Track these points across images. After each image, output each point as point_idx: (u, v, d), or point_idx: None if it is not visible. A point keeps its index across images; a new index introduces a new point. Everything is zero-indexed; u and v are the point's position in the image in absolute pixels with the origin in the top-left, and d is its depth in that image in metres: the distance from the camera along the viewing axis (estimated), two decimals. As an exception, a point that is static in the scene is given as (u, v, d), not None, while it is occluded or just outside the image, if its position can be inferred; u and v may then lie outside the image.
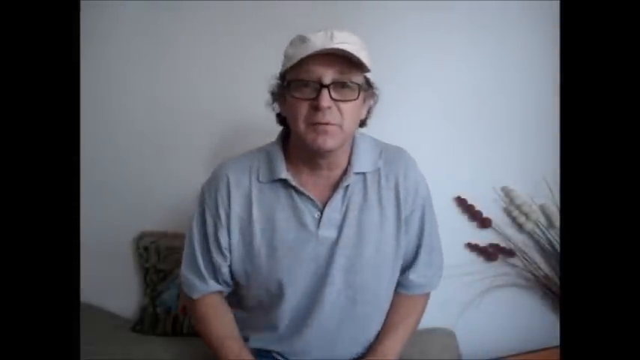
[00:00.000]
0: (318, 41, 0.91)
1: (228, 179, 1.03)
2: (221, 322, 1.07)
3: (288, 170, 1.01)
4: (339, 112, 0.93)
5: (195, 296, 1.09)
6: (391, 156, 1.07)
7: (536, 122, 1.45)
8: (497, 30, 1.46)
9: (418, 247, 1.09)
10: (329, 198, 1.02)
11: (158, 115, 1.61)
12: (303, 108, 0.93)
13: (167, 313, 1.52)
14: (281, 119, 1.04)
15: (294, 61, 0.91)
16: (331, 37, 0.91)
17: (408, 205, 1.06)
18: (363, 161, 1.03)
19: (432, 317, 1.15)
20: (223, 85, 1.56)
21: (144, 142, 1.63)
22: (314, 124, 0.93)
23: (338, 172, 1.03)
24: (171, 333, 1.50)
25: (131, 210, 1.63)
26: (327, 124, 0.92)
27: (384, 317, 1.10)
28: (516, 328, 1.48)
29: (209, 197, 1.05)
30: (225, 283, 1.09)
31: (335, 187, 1.02)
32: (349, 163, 1.02)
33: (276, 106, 1.03)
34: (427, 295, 1.14)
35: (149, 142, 1.62)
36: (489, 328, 1.49)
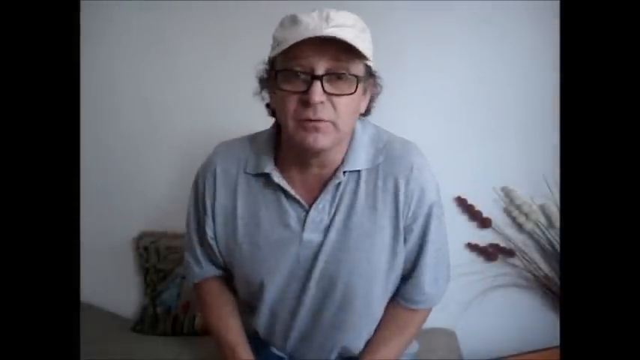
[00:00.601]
0: (311, 23, 0.79)
1: (215, 169, 0.98)
2: (220, 312, 1.06)
3: (276, 164, 0.93)
4: (332, 108, 0.82)
5: (194, 280, 1.08)
6: (395, 152, 0.94)
7: (537, 122, 1.45)
8: (497, 29, 1.46)
9: (421, 260, 0.97)
10: (316, 197, 0.92)
11: (157, 114, 1.61)
12: (292, 102, 0.82)
13: (167, 313, 1.52)
14: (272, 110, 0.93)
15: (283, 47, 0.80)
16: (326, 19, 0.79)
17: (409, 212, 0.93)
18: (359, 158, 0.92)
19: (432, 317, 1.15)
20: (220, 84, 1.56)
21: (144, 142, 1.63)
22: (304, 121, 0.82)
23: (330, 169, 0.92)
24: (171, 333, 1.50)
25: (131, 210, 1.63)
26: (318, 121, 0.81)
27: (376, 324, 1.02)
28: (516, 328, 1.48)
29: (201, 183, 1.00)
30: (222, 267, 1.06)
31: (324, 185, 0.92)
32: (342, 161, 0.92)
33: (265, 95, 0.92)
34: (429, 310, 1.05)
35: (149, 141, 1.62)
36: (490, 328, 1.49)
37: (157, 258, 1.56)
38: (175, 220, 1.62)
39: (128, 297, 1.65)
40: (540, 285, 1.47)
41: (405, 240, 0.95)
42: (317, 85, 0.79)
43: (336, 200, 0.92)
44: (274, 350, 1.07)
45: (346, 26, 0.80)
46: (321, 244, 0.93)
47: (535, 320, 1.48)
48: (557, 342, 0.90)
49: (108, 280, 1.64)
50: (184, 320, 1.51)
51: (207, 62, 1.57)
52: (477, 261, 1.49)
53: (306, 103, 0.80)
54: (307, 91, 0.79)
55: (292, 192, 0.92)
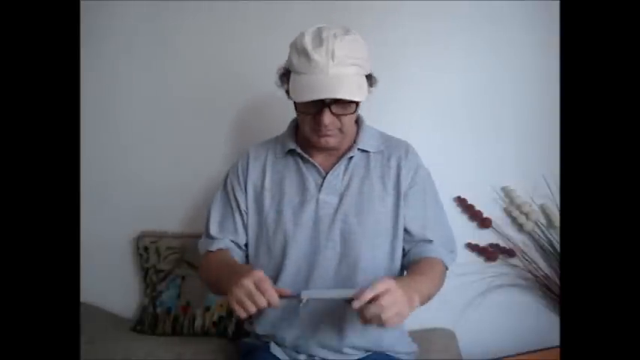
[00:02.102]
0: (320, 62, 0.97)
1: (249, 154, 1.18)
2: (226, 259, 1.10)
3: (297, 143, 1.14)
4: (338, 121, 1.04)
5: (209, 248, 1.13)
6: (393, 142, 1.17)
7: (536, 122, 1.45)
8: (496, 30, 1.46)
9: (427, 223, 1.11)
10: (333, 167, 1.12)
11: (158, 114, 1.61)
12: (308, 119, 1.04)
13: (167, 313, 1.52)
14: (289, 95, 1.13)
15: (297, 96, 1.00)
16: (332, 56, 0.97)
17: (407, 180, 1.12)
18: (369, 142, 1.14)
19: (432, 317, 1.15)
20: (224, 85, 1.57)
21: (144, 142, 1.63)
22: (317, 131, 1.04)
23: (343, 148, 1.13)
24: (171, 333, 1.50)
25: (131, 210, 1.63)
26: (328, 132, 1.04)
27: None
28: (516, 328, 1.48)
29: (232, 169, 1.19)
30: (237, 244, 1.15)
31: (339, 159, 1.12)
32: (355, 141, 1.13)
33: (285, 86, 1.10)
34: (444, 267, 1.10)
35: (149, 141, 1.62)
36: (489, 328, 1.49)
37: (157, 258, 1.56)
38: (175, 220, 1.62)
39: (128, 297, 1.65)
40: (540, 285, 1.47)
41: (406, 206, 1.11)
42: (326, 111, 1.01)
43: (349, 171, 1.12)
44: (275, 350, 1.12)
45: (347, 59, 0.98)
46: (337, 207, 1.09)
47: (535, 320, 1.48)
48: (557, 342, 0.90)
49: (108, 280, 1.64)
50: (184, 320, 1.51)
51: (209, 62, 1.57)
52: (477, 261, 1.49)
53: (318, 122, 1.02)
54: (319, 114, 1.01)
55: (311, 159, 1.12)
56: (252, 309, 0.87)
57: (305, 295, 0.91)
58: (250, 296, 0.87)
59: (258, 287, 0.88)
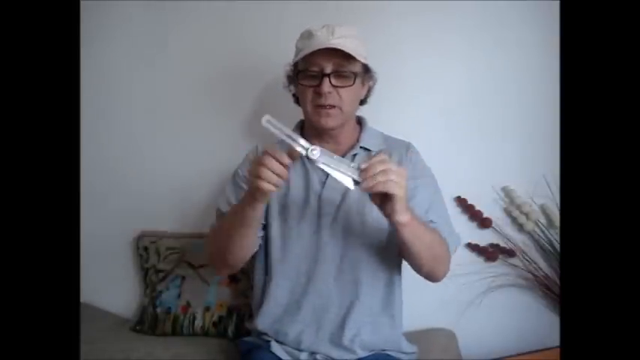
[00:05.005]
0: (322, 37, 1.07)
1: (257, 148, 1.23)
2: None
3: None
4: (338, 96, 1.08)
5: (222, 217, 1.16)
6: (396, 142, 1.22)
7: (536, 122, 1.45)
8: (497, 29, 1.46)
9: (431, 214, 1.12)
10: None
11: (158, 115, 1.61)
12: (309, 93, 1.09)
13: (167, 313, 1.52)
14: (296, 98, 1.20)
15: (301, 55, 1.08)
16: (332, 33, 1.07)
17: (408, 172, 1.11)
18: (371, 141, 1.18)
19: (432, 317, 1.15)
20: (224, 85, 1.57)
21: (144, 142, 1.63)
22: (318, 107, 1.09)
23: (346, 147, 1.17)
24: (171, 333, 1.50)
25: (131, 210, 1.63)
26: (328, 106, 1.08)
27: (387, 287, 1.15)
28: (516, 328, 1.48)
29: (243, 161, 1.22)
30: None
31: (343, 157, 1.13)
32: (357, 140, 1.17)
33: (292, 87, 1.20)
34: (446, 242, 1.11)
35: (149, 142, 1.62)
36: (489, 328, 1.49)
37: (157, 258, 1.56)
38: (175, 220, 1.62)
39: (128, 297, 1.65)
40: (540, 285, 1.47)
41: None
42: (326, 80, 1.07)
43: None
44: (275, 349, 1.12)
45: (346, 37, 1.07)
46: (339, 203, 1.13)
47: (535, 320, 1.48)
48: (557, 342, 0.90)
49: (108, 280, 1.64)
50: (184, 320, 1.51)
51: (209, 63, 1.57)
52: (477, 261, 1.49)
53: (319, 93, 1.07)
54: (319, 85, 1.07)
55: None
56: (275, 178, 0.92)
57: (315, 155, 0.92)
58: (267, 169, 0.91)
59: (270, 157, 0.92)
